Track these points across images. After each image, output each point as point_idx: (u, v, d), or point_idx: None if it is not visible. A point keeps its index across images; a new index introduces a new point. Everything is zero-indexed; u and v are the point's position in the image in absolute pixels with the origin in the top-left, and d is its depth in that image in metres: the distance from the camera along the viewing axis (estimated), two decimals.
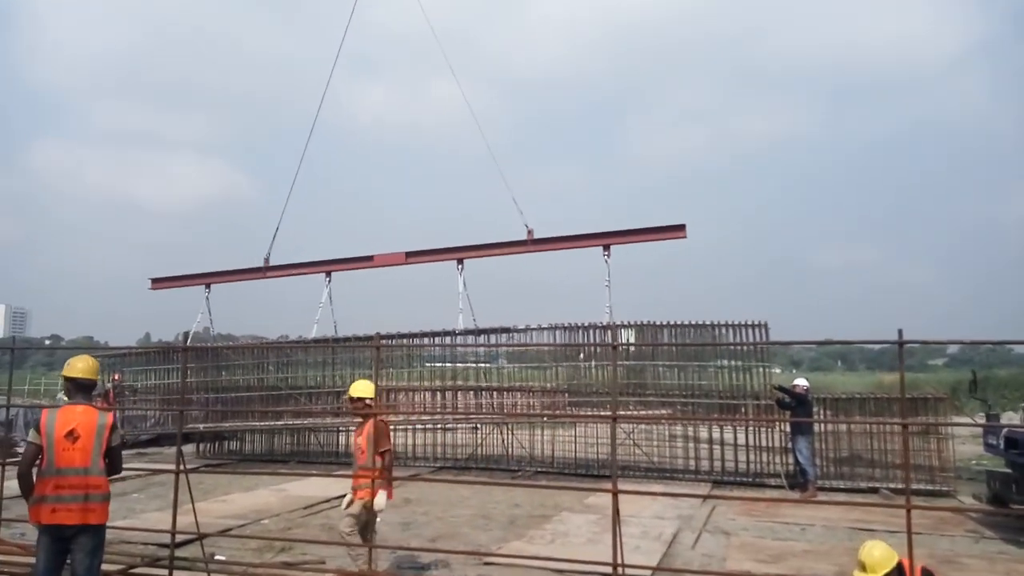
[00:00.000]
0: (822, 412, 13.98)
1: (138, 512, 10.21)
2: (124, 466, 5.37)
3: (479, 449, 16.04)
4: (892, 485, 12.56)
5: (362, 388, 6.72)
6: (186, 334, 18.79)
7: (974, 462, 15.18)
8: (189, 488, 6.35)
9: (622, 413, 13.00)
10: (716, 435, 14.37)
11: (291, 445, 17.33)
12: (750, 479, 13.54)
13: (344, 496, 6.68)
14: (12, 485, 7.21)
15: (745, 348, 13.53)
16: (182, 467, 6.35)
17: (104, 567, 5.20)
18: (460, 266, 18.15)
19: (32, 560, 6.15)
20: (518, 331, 14.76)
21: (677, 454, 14.40)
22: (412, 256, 19.11)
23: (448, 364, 16.42)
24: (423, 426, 16.07)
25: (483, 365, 16.29)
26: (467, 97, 20.52)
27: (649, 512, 10.39)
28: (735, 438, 14.15)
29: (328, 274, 19.66)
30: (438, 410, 15.39)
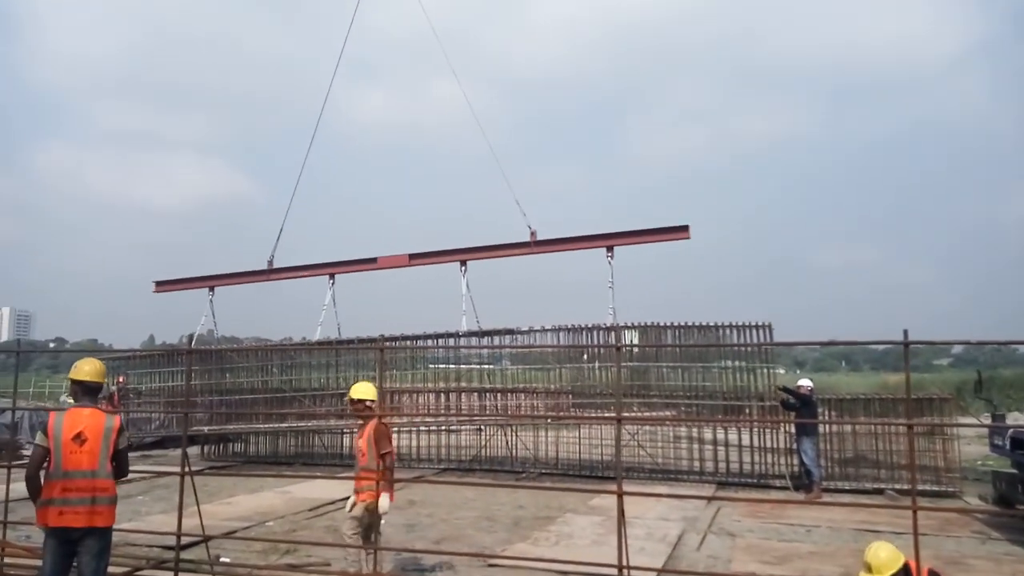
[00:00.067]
0: (827, 413, 13.96)
1: (143, 514, 10.22)
2: (129, 468, 5.38)
3: (483, 451, 16.03)
4: (897, 486, 12.52)
5: (363, 390, 6.71)
6: (190, 336, 18.82)
7: (979, 463, 15.12)
8: (194, 490, 6.37)
9: (626, 415, 12.98)
10: (720, 436, 14.35)
11: (295, 447, 17.34)
12: (755, 480, 13.51)
13: (348, 499, 6.68)
14: (17, 488, 7.24)
15: (749, 349, 13.51)
16: (187, 469, 6.36)
17: (110, 569, 5.20)
18: (463, 268, 18.18)
19: (38, 563, 6.16)
20: (521, 332, 14.76)
21: (681, 455, 14.38)
22: (415, 258, 19.14)
23: (452, 366, 16.43)
24: (427, 428, 16.06)
25: (487, 367, 16.30)
26: (468, 98, 20.56)
27: (654, 514, 10.37)
28: (739, 439, 14.13)
29: (332, 276, 19.70)
30: (442, 412, 15.39)
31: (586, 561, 6.96)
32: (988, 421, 12.40)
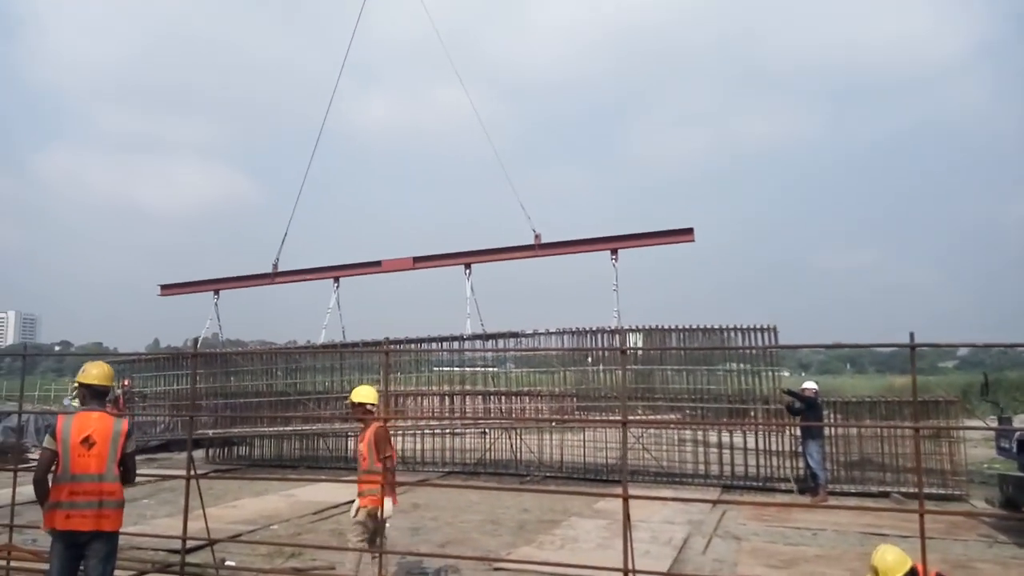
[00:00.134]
0: (833, 416, 13.92)
1: (148, 518, 10.23)
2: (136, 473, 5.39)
3: (488, 454, 16.03)
4: (904, 489, 12.48)
5: (363, 393, 6.68)
6: (195, 340, 18.86)
7: (986, 465, 15.06)
8: (200, 494, 6.38)
9: (632, 418, 12.97)
10: (726, 439, 14.31)
11: (300, 450, 17.36)
12: (760, 483, 13.47)
13: (353, 503, 6.67)
14: (23, 491, 7.27)
15: (754, 352, 13.49)
16: (193, 473, 6.38)
17: (116, 573, 5.21)
18: (468, 271, 18.21)
19: (44, 566, 6.18)
20: (526, 336, 14.76)
21: (687, 458, 14.34)
22: (420, 261, 19.17)
23: (456, 369, 16.44)
24: (431, 431, 16.07)
25: (491, 370, 16.30)
26: (472, 101, 20.61)
27: (659, 517, 10.35)
28: (745, 442, 14.09)
29: (336, 280, 19.75)
30: (446, 415, 15.39)
31: (591, 565, 6.95)
32: (994, 424, 12.33)
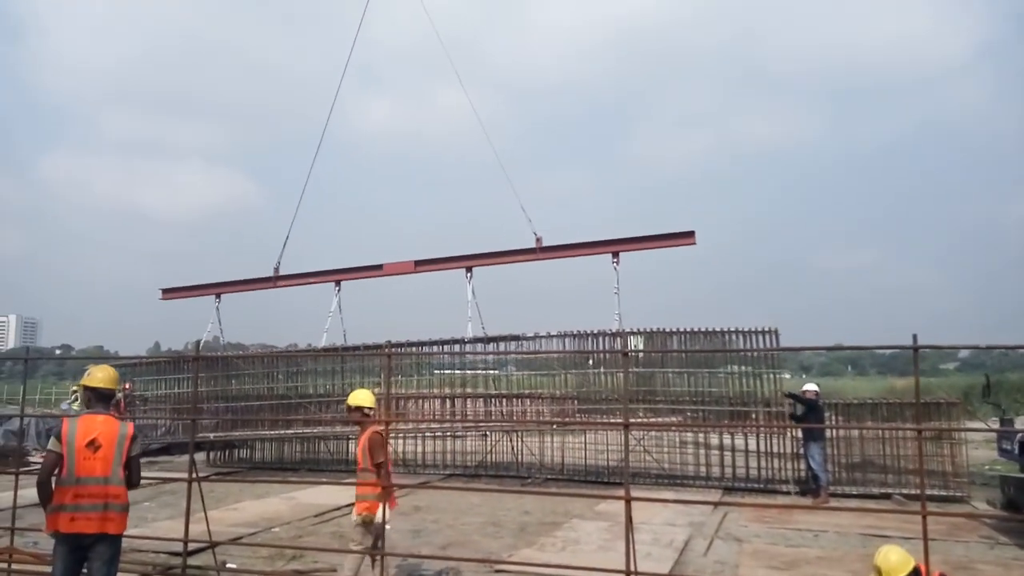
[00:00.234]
0: (834, 418, 13.92)
1: (149, 521, 10.23)
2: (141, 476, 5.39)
3: (489, 456, 16.02)
4: (905, 491, 12.48)
5: (360, 397, 6.66)
6: (197, 343, 18.87)
7: (987, 467, 15.06)
8: (201, 497, 6.38)
9: (633, 420, 12.97)
10: (727, 441, 14.31)
11: (301, 453, 17.35)
12: (761, 485, 13.46)
13: (353, 506, 6.67)
14: (24, 494, 7.28)
15: (755, 354, 13.48)
16: (195, 475, 6.38)
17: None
18: (469, 274, 18.18)
19: (46, 569, 6.19)
20: (527, 339, 14.76)
21: (688, 460, 14.34)
22: (421, 265, 19.15)
23: (457, 372, 16.43)
24: (432, 433, 16.06)
25: (492, 372, 16.29)
26: (473, 104, 20.60)
27: (660, 519, 10.35)
28: (746, 444, 14.09)
29: (338, 283, 19.73)
30: (447, 417, 15.39)
31: (593, 567, 6.95)
32: (996, 425, 12.33)
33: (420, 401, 15.74)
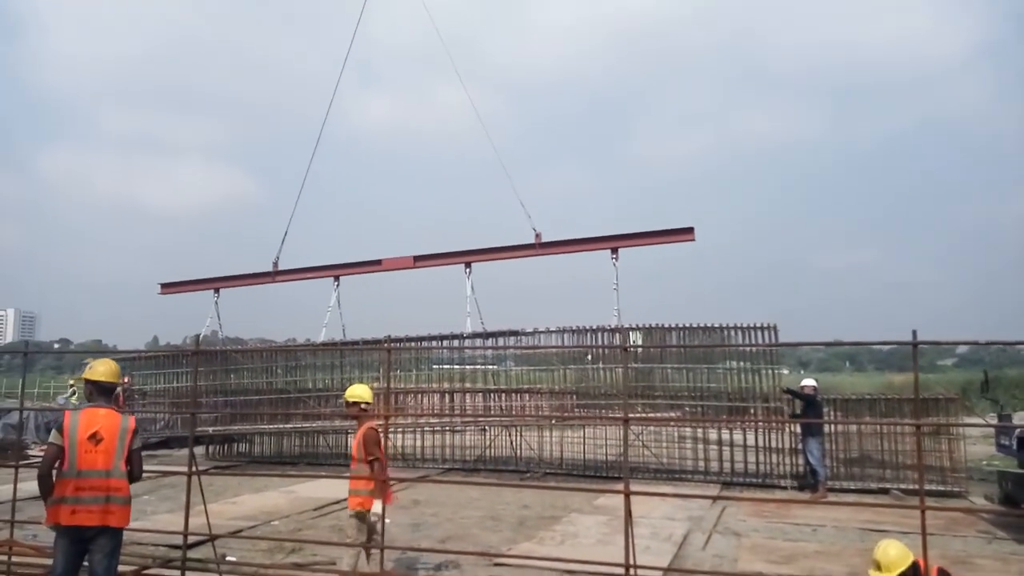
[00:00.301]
0: (833, 413, 13.95)
1: (149, 514, 10.24)
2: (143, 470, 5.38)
3: (488, 451, 16.05)
4: (903, 486, 12.51)
5: (357, 392, 6.66)
6: (196, 337, 18.88)
7: (985, 463, 15.10)
8: (201, 490, 6.38)
9: (633, 415, 12.99)
10: (726, 436, 14.34)
11: (300, 447, 17.37)
12: (760, 480, 13.50)
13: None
14: (24, 487, 7.28)
15: (753, 350, 13.50)
16: (194, 469, 6.38)
17: (118, 568, 5.22)
18: (468, 270, 18.22)
19: (46, 561, 6.20)
20: (526, 334, 14.77)
21: (686, 455, 14.38)
22: (420, 260, 19.17)
23: (456, 367, 16.45)
24: (431, 428, 16.08)
25: (491, 367, 16.31)
26: (472, 100, 20.60)
27: (659, 513, 10.37)
28: (744, 439, 14.12)
29: (337, 278, 19.76)
30: (446, 412, 15.40)
31: (592, 560, 6.96)
32: (994, 421, 12.36)
33: (419, 396, 15.74)
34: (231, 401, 16.33)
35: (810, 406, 12.60)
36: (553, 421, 15.20)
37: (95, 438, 4.93)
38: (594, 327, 14.37)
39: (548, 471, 14.86)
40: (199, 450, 17.31)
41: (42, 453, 9.94)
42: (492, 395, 15.29)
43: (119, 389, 16.75)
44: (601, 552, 7.80)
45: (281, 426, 16.56)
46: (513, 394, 15.27)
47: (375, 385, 14.42)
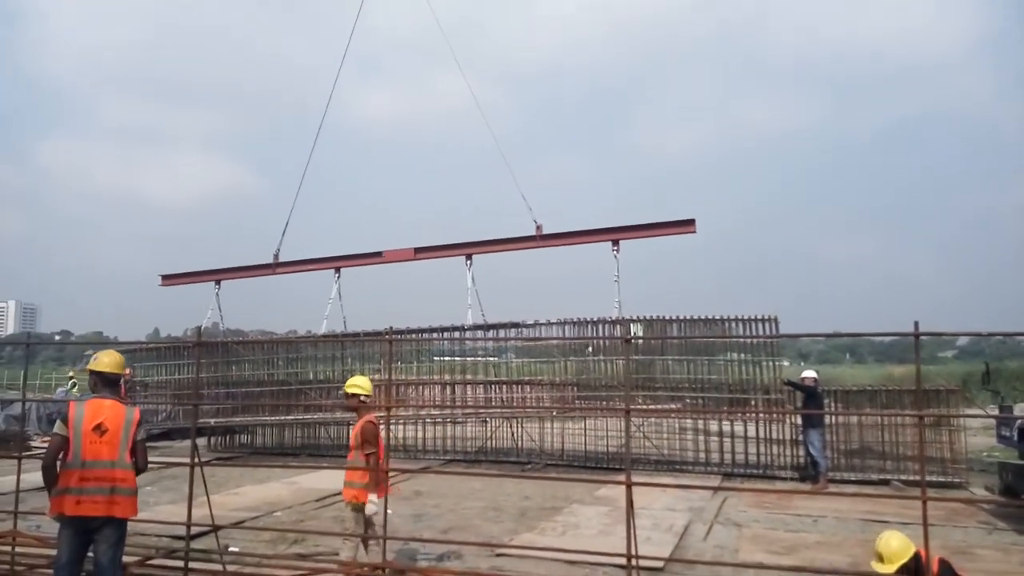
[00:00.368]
0: (833, 405, 13.97)
1: (151, 505, 10.26)
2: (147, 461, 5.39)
3: (489, 442, 16.08)
4: (903, 477, 12.54)
5: (356, 384, 6.67)
6: (197, 329, 18.89)
7: (985, 454, 15.12)
8: (204, 481, 6.39)
9: (633, 407, 13.00)
10: (726, 428, 14.36)
11: (302, 438, 17.41)
12: (760, 471, 13.53)
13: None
14: (27, 478, 7.30)
15: (754, 342, 13.49)
16: (197, 460, 6.40)
17: (123, 558, 5.24)
18: (469, 261, 18.16)
19: (50, 552, 6.21)
20: (527, 326, 14.77)
21: (687, 447, 14.41)
22: (421, 252, 19.12)
23: (457, 359, 16.45)
24: (433, 419, 16.11)
25: (492, 359, 16.31)
26: (472, 89, 20.53)
27: (660, 504, 10.40)
28: (745, 431, 14.14)
29: (337, 270, 19.71)
30: (447, 404, 15.42)
31: (594, 550, 6.99)
32: (995, 412, 12.38)
33: (420, 387, 15.76)
34: (232, 393, 16.35)
35: (811, 398, 12.61)
36: (554, 413, 15.22)
37: (100, 429, 4.94)
38: (595, 319, 14.38)
39: (549, 462, 14.90)
40: (201, 442, 17.35)
41: (43, 444, 9.96)
42: (493, 387, 15.31)
43: (121, 381, 16.89)
44: (603, 543, 7.83)
45: (283, 418, 16.58)
46: (514, 386, 15.29)
47: (376, 377, 14.44)
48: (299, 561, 7.41)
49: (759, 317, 13.17)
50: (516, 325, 14.97)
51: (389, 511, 6.56)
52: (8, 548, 6.97)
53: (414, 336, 15.58)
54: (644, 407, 13.74)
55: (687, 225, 16.70)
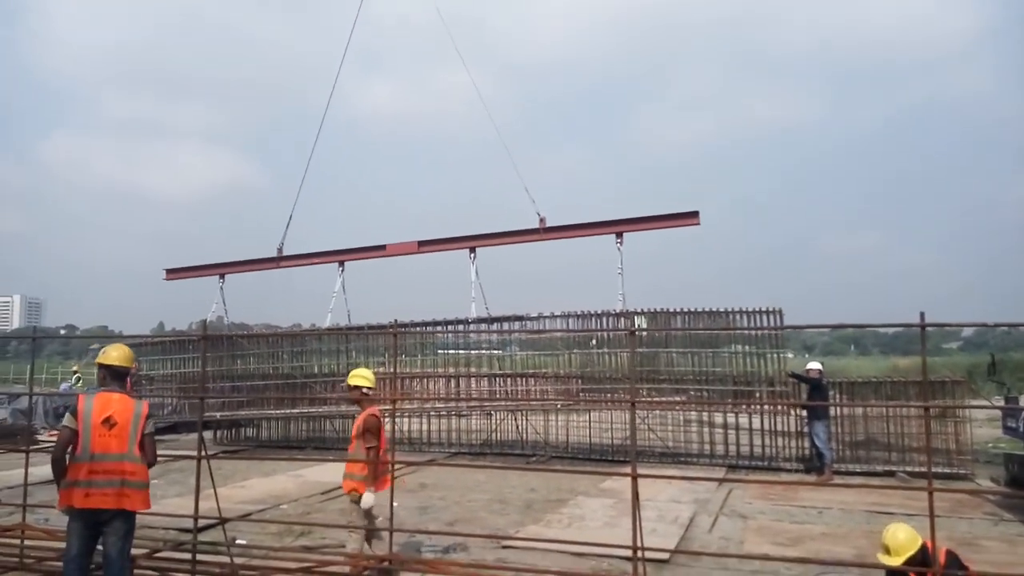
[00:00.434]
0: (838, 396, 13.96)
1: (158, 498, 10.24)
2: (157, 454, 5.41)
3: (494, 435, 16.12)
4: (909, 468, 12.53)
5: (358, 375, 6.67)
6: (202, 323, 18.95)
7: (991, 445, 15.11)
8: (211, 474, 6.42)
9: (640, 399, 13.00)
10: (731, 420, 14.36)
11: (307, 431, 17.47)
12: (765, 463, 13.54)
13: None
14: (35, 472, 7.34)
15: (758, 334, 13.47)
16: (204, 453, 6.42)
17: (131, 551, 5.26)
18: (472, 254, 18.18)
19: (58, 544, 6.25)
20: (531, 319, 14.77)
21: (692, 439, 14.42)
22: (424, 245, 19.15)
23: (462, 351, 16.48)
24: (437, 412, 16.15)
25: (496, 352, 16.33)
26: (475, 82, 20.49)
27: (665, 496, 10.41)
28: (750, 423, 14.14)
29: (341, 264, 19.76)
30: (452, 397, 15.44)
31: (599, 542, 7.00)
32: (1000, 404, 12.36)
33: (425, 380, 15.79)
34: (238, 386, 16.41)
35: (816, 390, 12.60)
36: (559, 405, 15.23)
37: (109, 422, 4.96)
38: (599, 311, 14.37)
39: (554, 455, 14.92)
40: (207, 435, 17.37)
41: (50, 438, 9.99)
42: (498, 380, 15.33)
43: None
44: (608, 534, 7.84)
45: (288, 411, 16.64)
46: (518, 379, 15.30)
47: (380, 370, 14.47)
48: (306, 553, 7.44)
49: (763, 309, 13.16)
50: (520, 318, 14.98)
51: (395, 503, 6.58)
52: (17, 541, 7.02)
53: (418, 329, 15.60)
54: (649, 399, 13.74)
55: (691, 218, 16.69)
